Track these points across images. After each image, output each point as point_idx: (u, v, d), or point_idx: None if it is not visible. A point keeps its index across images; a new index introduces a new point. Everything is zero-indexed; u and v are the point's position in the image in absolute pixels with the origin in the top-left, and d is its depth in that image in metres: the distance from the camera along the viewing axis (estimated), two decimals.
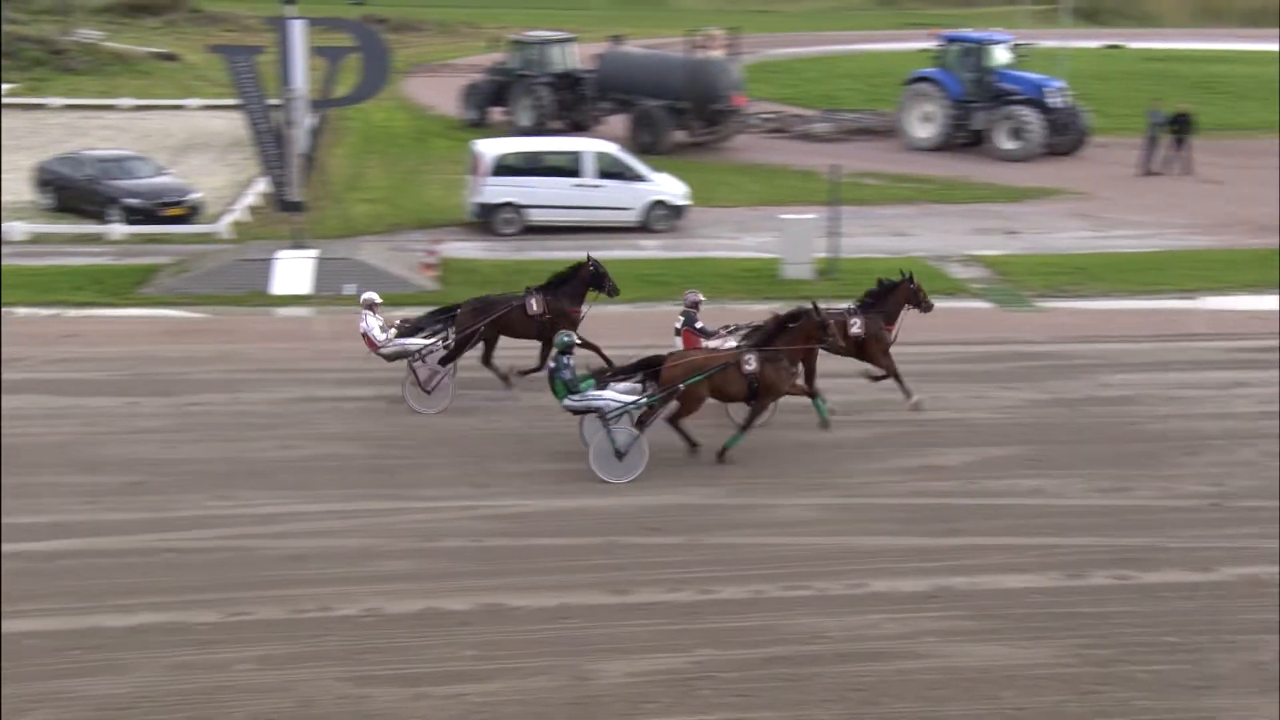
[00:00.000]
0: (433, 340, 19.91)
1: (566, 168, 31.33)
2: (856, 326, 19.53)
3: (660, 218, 31.41)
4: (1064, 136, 40.35)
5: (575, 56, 43.73)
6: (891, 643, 13.23)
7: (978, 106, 40.60)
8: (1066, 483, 17.16)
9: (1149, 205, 34.50)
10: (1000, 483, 17.16)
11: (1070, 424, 19.26)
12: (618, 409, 17.23)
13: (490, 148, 31.59)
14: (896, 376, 19.77)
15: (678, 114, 39.87)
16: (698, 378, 17.41)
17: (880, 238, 30.66)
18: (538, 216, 30.79)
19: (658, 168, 32.87)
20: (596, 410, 17.32)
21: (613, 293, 20.77)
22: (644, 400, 17.43)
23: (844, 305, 20.01)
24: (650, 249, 29.92)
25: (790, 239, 27.48)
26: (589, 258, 20.83)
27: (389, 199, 34.15)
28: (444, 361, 19.85)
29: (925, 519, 16.09)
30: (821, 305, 18.38)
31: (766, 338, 18.01)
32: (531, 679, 12.56)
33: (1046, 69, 42.96)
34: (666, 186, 31.86)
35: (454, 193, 33.17)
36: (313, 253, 26.91)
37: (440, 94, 48.73)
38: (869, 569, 14.74)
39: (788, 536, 15.59)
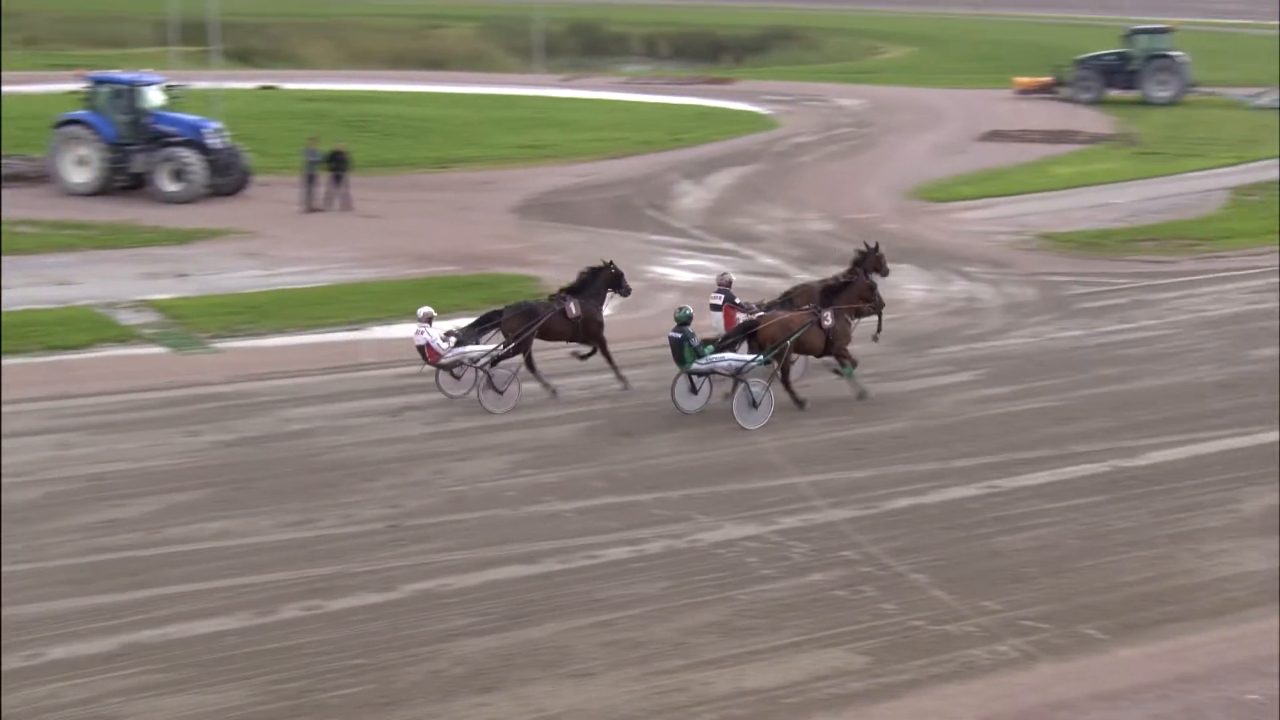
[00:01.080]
0: (491, 347, 21.52)
1: None
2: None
3: None
4: (226, 177, 40.40)
5: None
6: (73, 710, 12.63)
7: (135, 149, 39.71)
8: (253, 521, 17.18)
9: (314, 241, 35.32)
10: (186, 529, 16.90)
11: (254, 462, 19.32)
12: (740, 368, 20.44)
13: None
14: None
15: None
16: (794, 335, 20.73)
17: (43, 287, 29.24)
18: None
19: None
20: (718, 372, 20.58)
21: (627, 293, 22.66)
22: (761, 359, 20.60)
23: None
24: None
25: None
26: (607, 261, 22.53)
27: None
28: (530, 367, 21.75)
29: (107, 575, 15.52)
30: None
31: (828, 297, 21.45)
32: None
33: (203, 110, 42.90)
34: None
35: None
36: None
37: None
38: (47, 636, 13.99)
39: None
